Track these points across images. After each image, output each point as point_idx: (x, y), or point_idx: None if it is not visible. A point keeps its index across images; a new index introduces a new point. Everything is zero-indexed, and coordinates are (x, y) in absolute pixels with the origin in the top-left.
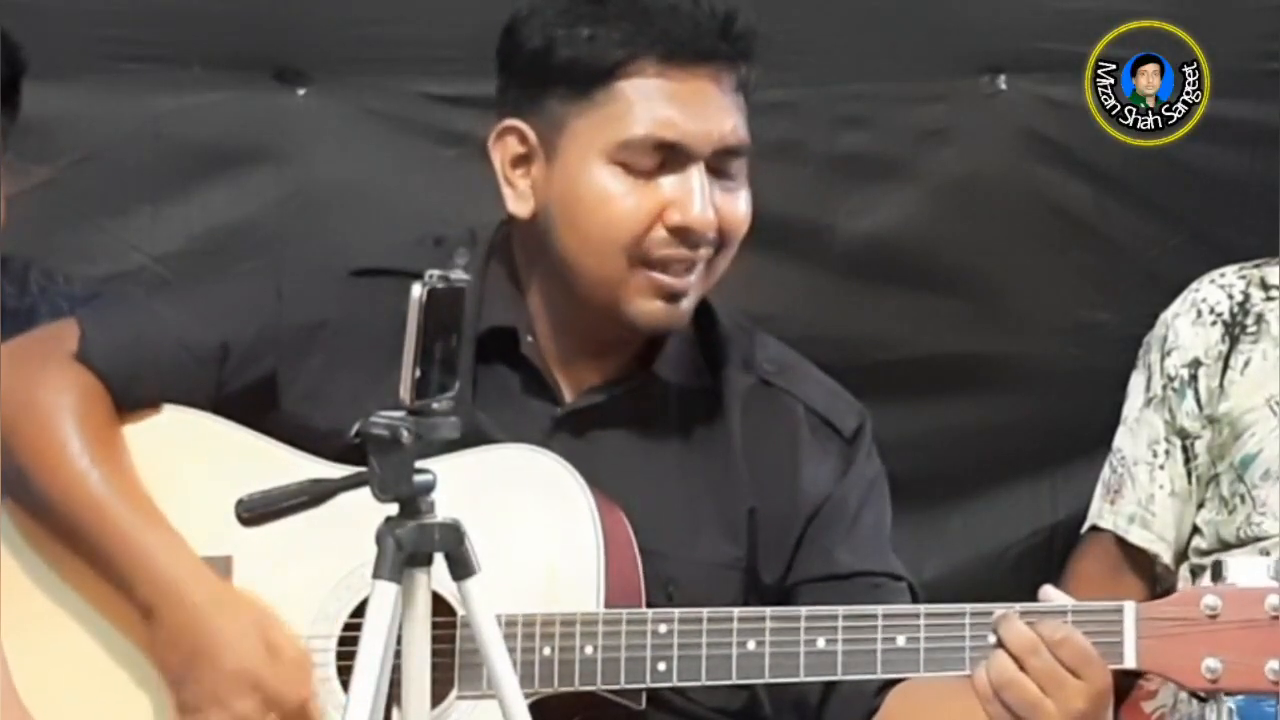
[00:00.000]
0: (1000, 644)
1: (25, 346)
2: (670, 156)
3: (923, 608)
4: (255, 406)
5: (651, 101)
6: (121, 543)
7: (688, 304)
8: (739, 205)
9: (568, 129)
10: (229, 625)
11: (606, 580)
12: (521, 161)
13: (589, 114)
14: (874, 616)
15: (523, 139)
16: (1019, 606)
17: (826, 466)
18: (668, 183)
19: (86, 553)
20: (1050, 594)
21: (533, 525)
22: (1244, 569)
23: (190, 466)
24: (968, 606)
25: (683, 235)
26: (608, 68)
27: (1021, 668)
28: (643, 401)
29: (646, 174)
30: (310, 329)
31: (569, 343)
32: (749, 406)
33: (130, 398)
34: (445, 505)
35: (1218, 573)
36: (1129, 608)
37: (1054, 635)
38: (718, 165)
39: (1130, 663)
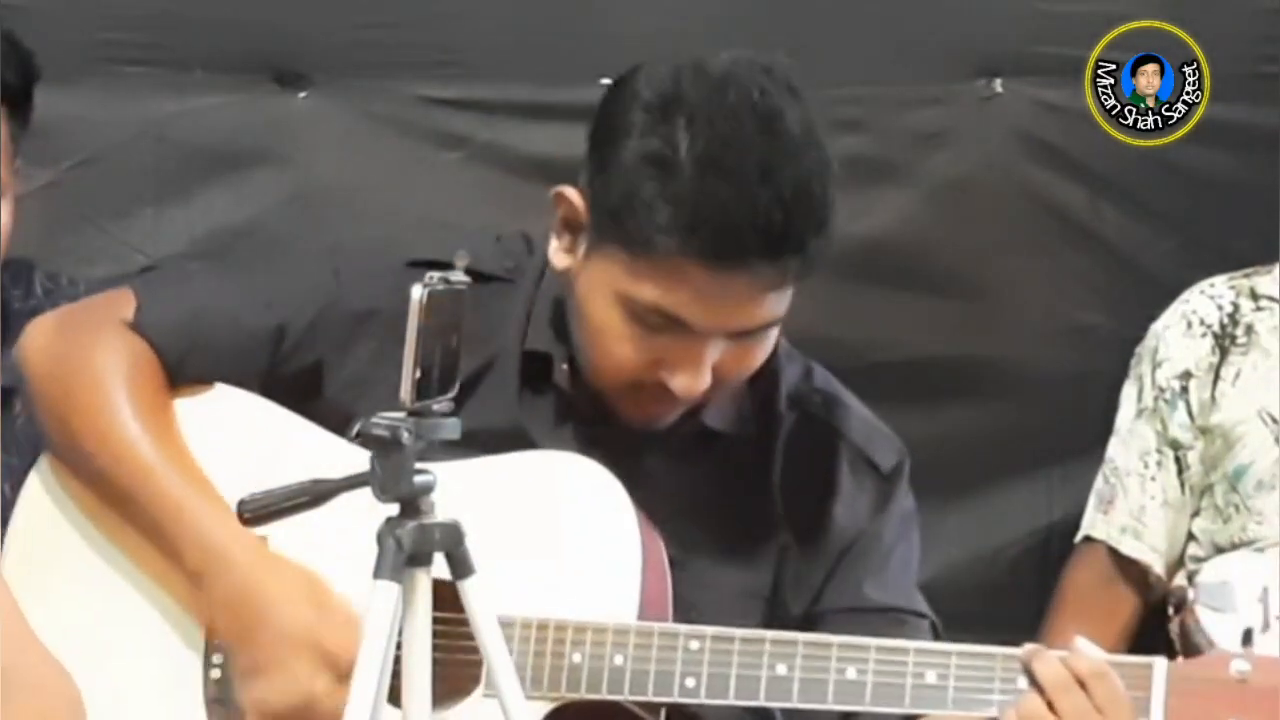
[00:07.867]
0: (1031, 679)
1: (80, 312)
2: (680, 325)
3: (954, 647)
4: (302, 391)
5: (674, 280)
6: (170, 510)
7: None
8: (754, 355)
9: (600, 249)
10: (279, 588)
11: (643, 596)
12: (568, 226)
13: (617, 255)
14: (905, 651)
15: (573, 211)
16: (1052, 653)
17: (862, 502)
18: (671, 343)
19: (134, 518)
20: (1083, 646)
21: (578, 532)
22: (1214, 593)
23: (234, 447)
24: (999, 650)
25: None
26: (646, 241)
27: (1051, 707)
28: (683, 439)
29: (653, 328)
30: (361, 317)
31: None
32: (791, 442)
33: (182, 373)
34: (492, 503)
35: (1181, 603)
36: (1159, 665)
37: (1091, 670)
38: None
39: (1157, 718)
